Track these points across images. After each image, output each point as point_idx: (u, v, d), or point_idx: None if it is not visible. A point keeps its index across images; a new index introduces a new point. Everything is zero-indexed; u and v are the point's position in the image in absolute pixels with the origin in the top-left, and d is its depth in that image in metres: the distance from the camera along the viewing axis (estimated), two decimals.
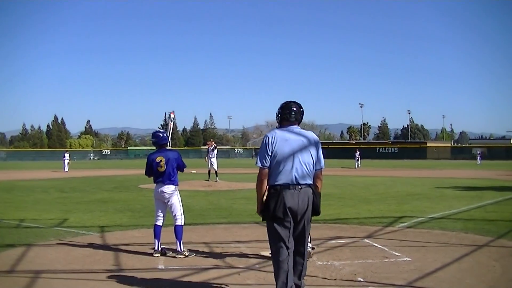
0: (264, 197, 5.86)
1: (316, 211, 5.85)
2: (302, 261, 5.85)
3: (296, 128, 6.00)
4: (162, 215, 9.06)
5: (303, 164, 5.76)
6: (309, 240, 6.75)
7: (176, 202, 8.92)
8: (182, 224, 8.88)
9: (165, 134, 9.41)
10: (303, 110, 6.12)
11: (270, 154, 5.77)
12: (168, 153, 9.02)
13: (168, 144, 9.47)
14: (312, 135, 6.00)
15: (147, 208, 15.79)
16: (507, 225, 11.83)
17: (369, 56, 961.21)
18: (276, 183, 5.75)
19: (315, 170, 5.94)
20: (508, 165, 54.80)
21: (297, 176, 5.72)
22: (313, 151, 5.87)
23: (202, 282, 7.15)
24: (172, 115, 9.47)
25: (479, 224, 12.03)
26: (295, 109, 6.03)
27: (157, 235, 8.90)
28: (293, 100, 6.13)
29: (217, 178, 28.15)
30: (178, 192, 9.03)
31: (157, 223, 9.00)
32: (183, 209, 9.04)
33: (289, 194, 5.67)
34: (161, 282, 7.15)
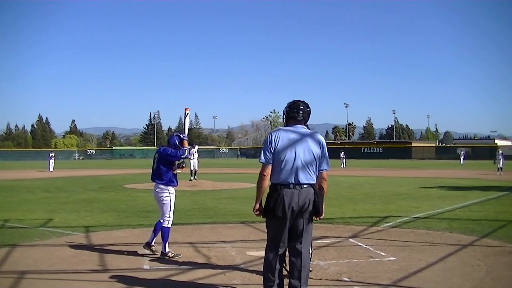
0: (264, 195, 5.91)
1: (317, 210, 5.79)
2: (300, 262, 5.77)
3: (301, 127, 5.95)
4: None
5: (305, 164, 5.72)
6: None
7: (166, 202, 8.78)
8: (168, 226, 8.79)
9: (175, 134, 9.15)
10: (310, 110, 6.08)
11: (272, 151, 5.76)
12: (162, 150, 8.92)
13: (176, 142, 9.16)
14: (317, 136, 5.94)
15: (132, 208, 15.77)
16: (492, 224, 11.91)
17: (354, 55, 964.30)
18: (277, 181, 5.74)
19: (319, 171, 5.89)
20: (492, 165, 55.13)
21: (298, 175, 5.69)
22: (316, 151, 5.80)
23: (188, 282, 7.13)
24: (187, 111, 9.27)
25: (464, 223, 12.11)
26: (302, 107, 5.99)
27: (155, 229, 8.87)
28: (301, 99, 6.10)
29: (195, 177, 28.81)
30: (170, 193, 8.84)
31: (159, 219, 8.97)
32: (173, 211, 8.94)
33: (289, 193, 5.65)
34: (146, 282, 7.13)
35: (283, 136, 5.79)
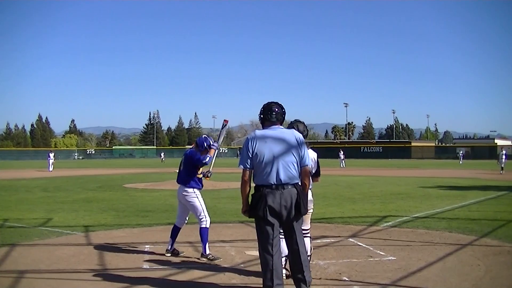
0: (249, 197, 6.07)
1: (298, 210, 5.88)
2: (299, 258, 5.94)
3: (277, 128, 6.10)
4: (180, 215, 8.96)
5: (285, 164, 5.86)
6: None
7: (195, 204, 8.67)
8: (207, 226, 8.59)
9: (202, 137, 8.94)
10: (284, 111, 6.23)
11: (250, 156, 5.93)
12: (188, 152, 8.86)
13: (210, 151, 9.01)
14: (293, 133, 6.09)
15: (131, 208, 15.77)
16: (490, 224, 11.91)
17: (353, 55, 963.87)
18: (260, 183, 5.90)
19: (301, 167, 6.00)
20: (491, 164, 55.19)
21: (279, 176, 5.83)
22: (294, 149, 5.94)
23: (187, 281, 7.13)
24: (225, 123, 9.26)
25: (463, 223, 12.11)
26: (276, 109, 6.15)
27: (172, 235, 8.84)
28: (275, 101, 6.26)
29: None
30: (196, 194, 8.72)
31: (175, 224, 8.95)
32: (206, 210, 8.76)
33: (271, 194, 5.80)
34: (145, 282, 7.11)
35: (259, 139, 5.96)
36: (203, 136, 9.06)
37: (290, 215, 5.85)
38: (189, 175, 8.72)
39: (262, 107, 6.23)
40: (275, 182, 5.81)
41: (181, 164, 8.87)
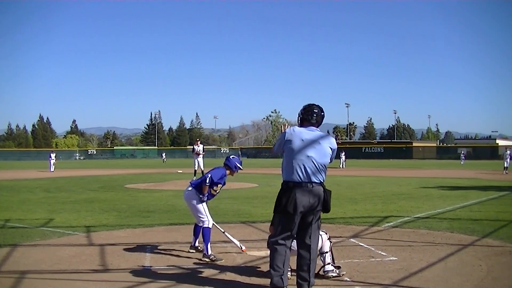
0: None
1: (326, 208, 6.14)
2: (309, 255, 6.08)
3: (315, 130, 6.29)
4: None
5: (316, 164, 6.04)
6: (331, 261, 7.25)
7: (196, 206, 8.70)
8: (209, 226, 8.66)
9: (231, 160, 9.05)
10: (324, 114, 6.44)
11: (282, 146, 6.19)
12: (215, 169, 8.94)
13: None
14: (330, 138, 6.32)
15: (132, 208, 15.76)
16: (492, 224, 11.90)
17: (355, 55, 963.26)
18: (289, 179, 6.05)
19: None
20: (493, 164, 55.20)
21: (309, 174, 6.01)
22: (328, 152, 6.18)
23: (189, 282, 7.11)
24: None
25: (465, 223, 12.10)
26: (316, 111, 6.36)
27: (194, 233, 9.01)
28: (316, 103, 6.47)
29: None
30: (197, 197, 8.69)
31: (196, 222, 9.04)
32: (207, 211, 8.82)
33: (300, 191, 5.96)
34: (147, 282, 7.12)
35: (296, 137, 6.14)
36: (231, 157, 9.17)
37: (313, 212, 6.05)
38: (198, 182, 8.77)
39: (303, 108, 6.42)
40: (304, 180, 5.99)
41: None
